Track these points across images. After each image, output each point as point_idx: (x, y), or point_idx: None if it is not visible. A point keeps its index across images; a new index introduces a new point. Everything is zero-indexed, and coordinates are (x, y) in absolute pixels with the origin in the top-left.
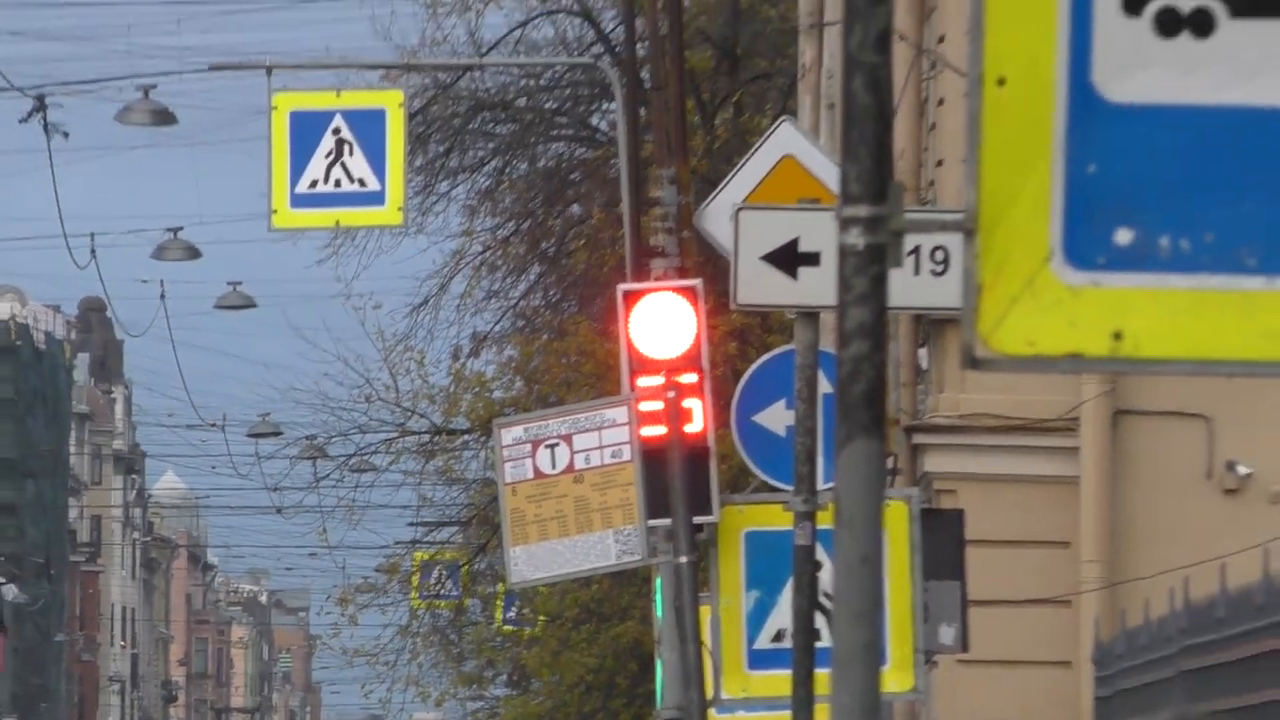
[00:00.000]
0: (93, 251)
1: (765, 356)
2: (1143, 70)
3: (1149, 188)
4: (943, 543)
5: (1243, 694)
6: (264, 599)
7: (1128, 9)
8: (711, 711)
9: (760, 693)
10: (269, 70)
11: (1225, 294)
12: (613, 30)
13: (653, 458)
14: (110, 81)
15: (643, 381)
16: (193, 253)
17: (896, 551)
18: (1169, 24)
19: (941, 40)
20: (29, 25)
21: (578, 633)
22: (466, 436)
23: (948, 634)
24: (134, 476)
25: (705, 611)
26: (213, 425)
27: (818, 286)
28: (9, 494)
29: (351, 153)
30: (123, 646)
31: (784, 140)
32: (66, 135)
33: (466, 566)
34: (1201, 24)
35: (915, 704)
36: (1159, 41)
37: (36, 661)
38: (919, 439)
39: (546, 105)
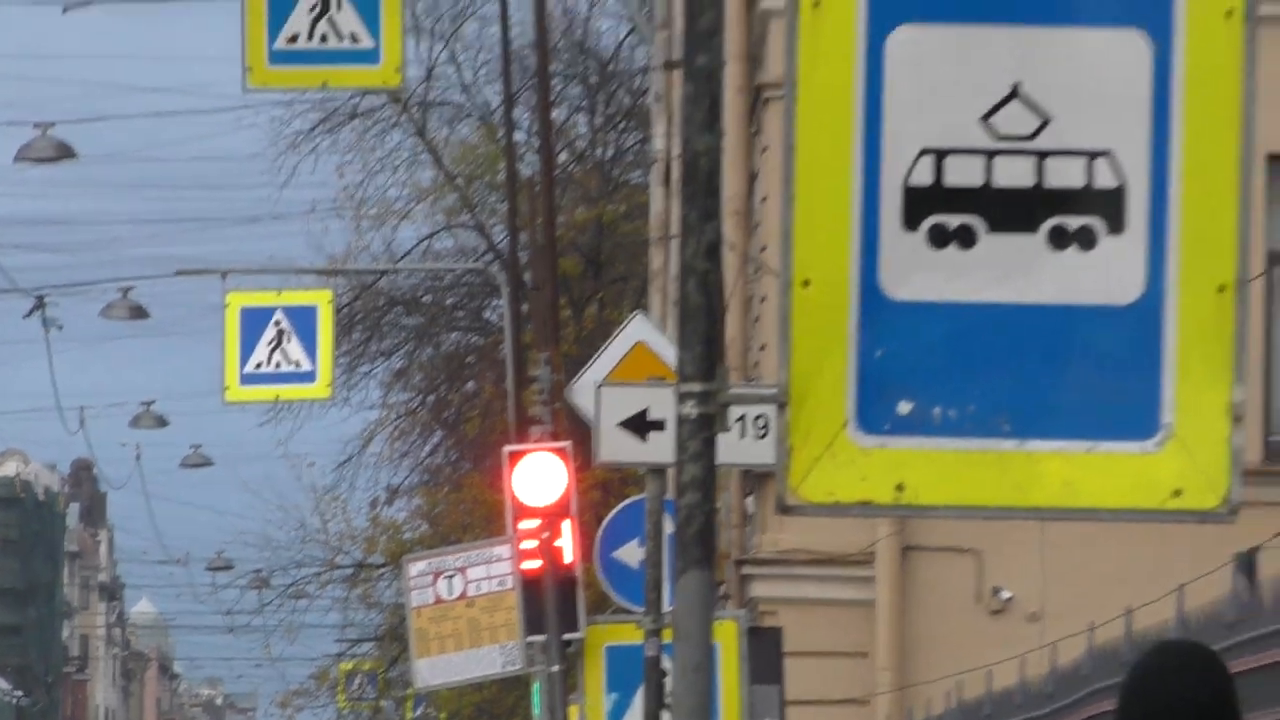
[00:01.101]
0: (81, 421)
1: (622, 504)
2: (918, 274)
3: (924, 369)
4: (765, 654)
5: None
6: (219, 702)
7: (906, 225)
8: None
9: None
10: (224, 275)
11: (985, 453)
12: (501, 241)
13: (531, 586)
14: (95, 284)
15: (523, 524)
16: (161, 422)
17: (728, 660)
18: (939, 237)
19: (763, 249)
20: (32, 240)
21: None
22: (382, 569)
23: None
24: (115, 603)
25: (574, 711)
26: (178, 561)
27: (663, 447)
28: (14, 618)
29: (289, 340)
30: None
31: (637, 331)
32: (60, 328)
33: (383, 674)
34: (966, 237)
35: None
36: (931, 251)
37: None
38: (746, 570)
39: (448, 302)
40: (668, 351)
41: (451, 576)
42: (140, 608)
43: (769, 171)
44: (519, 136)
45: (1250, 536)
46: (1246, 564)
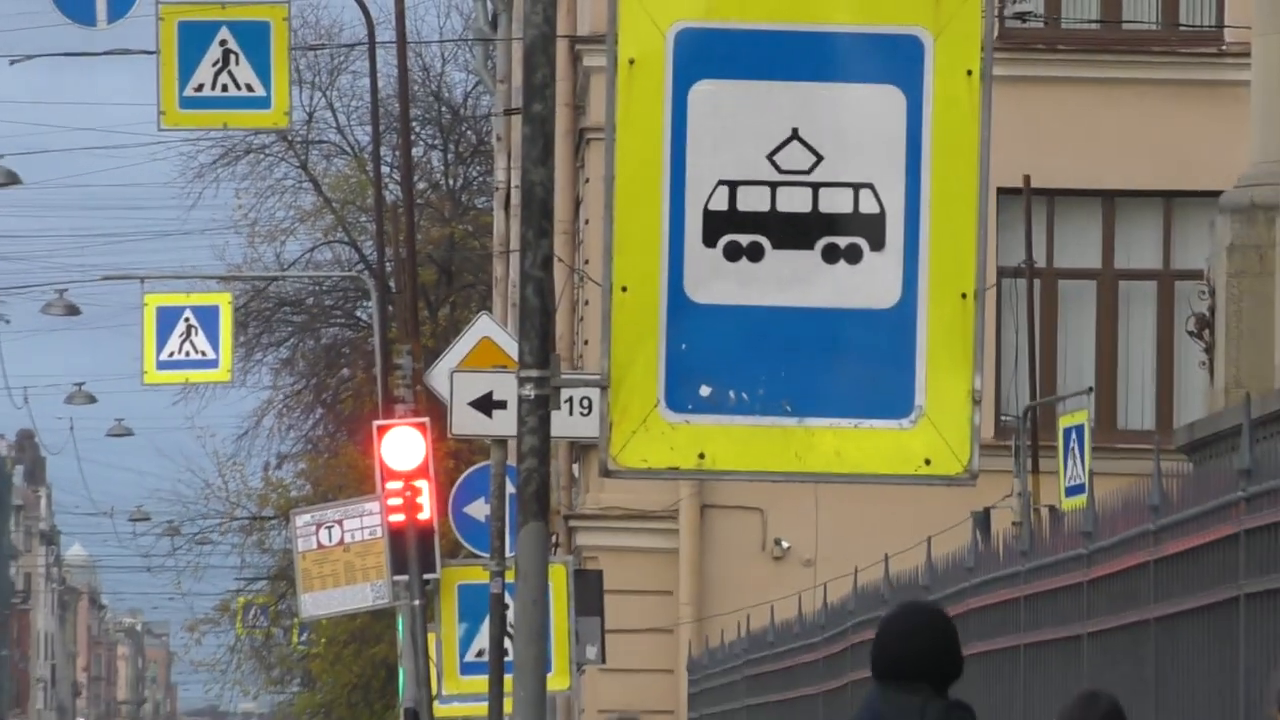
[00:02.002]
0: (25, 398)
1: (471, 469)
2: (716, 282)
3: (721, 359)
4: (589, 591)
5: (784, 692)
6: (139, 629)
7: (706, 242)
8: (436, 703)
9: (468, 690)
10: (143, 280)
11: (770, 429)
12: (370, 254)
13: (396, 535)
14: (36, 287)
15: (390, 485)
16: (91, 399)
17: (558, 597)
18: (733, 252)
19: (587, 262)
20: None
21: (347, 650)
22: (273, 520)
23: (592, 651)
24: (53, 547)
25: (432, 638)
26: (105, 514)
27: (506, 423)
28: None
29: (197, 334)
30: (48, 661)
31: (483, 327)
32: (8, 322)
33: (274, 607)
34: (755, 253)
35: (570, 698)
36: (726, 263)
37: None
38: (573, 523)
39: (326, 303)
40: (509, 344)
41: (331, 527)
42: (74, 551)
43: (591, 198)
44: (384, 169)
45: (985, 498)
46: (982, 520)
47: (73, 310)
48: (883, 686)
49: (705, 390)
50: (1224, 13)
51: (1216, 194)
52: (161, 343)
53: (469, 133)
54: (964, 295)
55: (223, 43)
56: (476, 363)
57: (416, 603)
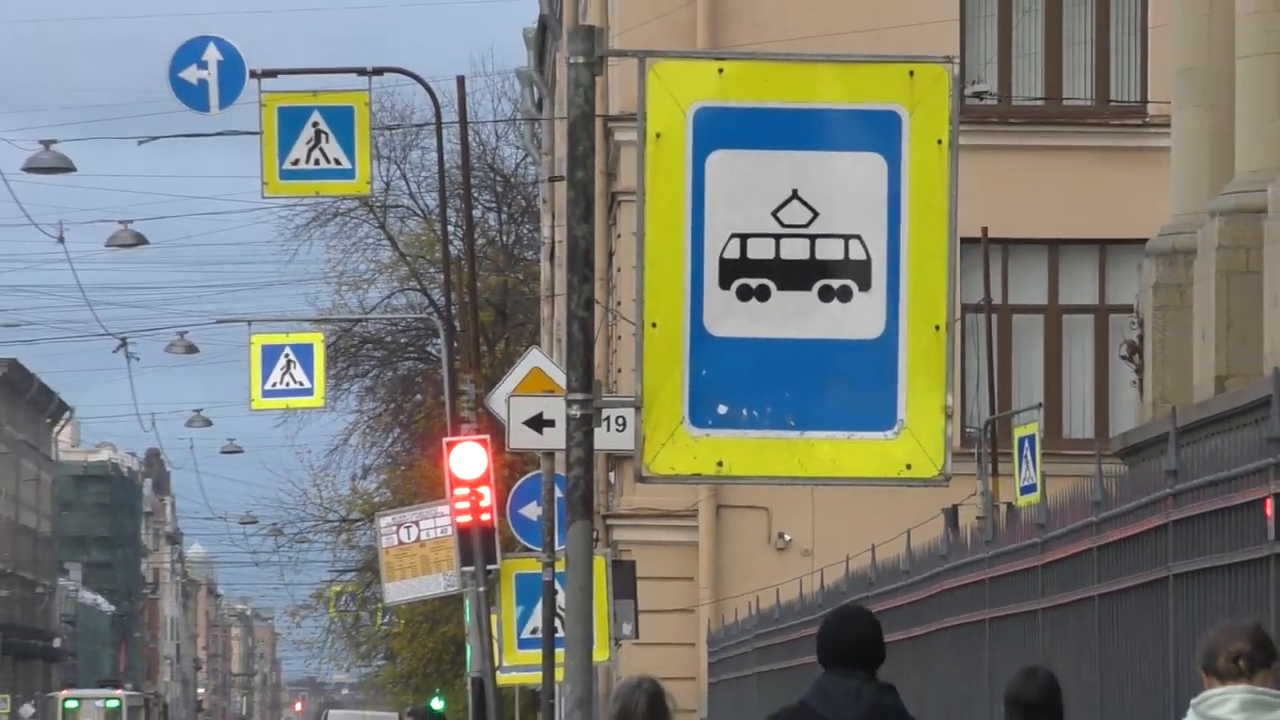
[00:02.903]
0: (152, 423)
1: (525, 477)
2: (729, 318)
3: (734, 383)
4: (624, 579)
5: (788, 660)
6: (249, 613)
7: (722, 285)
8: (498, 673)
9: (524, 662)
10: (249, 323)
11: (776, 440)
12: (438, 299)
13: (463, 533)
14: (161, 330)
15: (458, 491)
16: (207, 422)
17: (599, 583)
18: (744, 293)
19: (619, 303)
20: (118, 299)
21: (423, 629)
22: (359, 522)
23: (628, 628)
24: (177, 546)
25: (494, 619)
26: (220, 518)
27: (555, 438)
28: (107, 557)
29: (295, 366)
30: (173, 641)
31: (533, 359)
32: (138, 359)
33: (361, 594)
34: (762, 293)
35: (610, 668)
36: (739, 303)
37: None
38: (610, 522)
39: (402, 340)
40: (555, 373)
41: (409, 527)
42: (194, 549)
43: (623, 251)
44: (449, 228)
45: (954, 496)
46: (952, 515)
47: (191, 349)
48: (828, 672)
49: (722, 409)
50: (1148, 90)
51: (1143, 241)
52: (266, 375)
53: (519, 197)
54: (937, 327)
55: (314, 124)
56: (528, 388)
57: (480, 589)
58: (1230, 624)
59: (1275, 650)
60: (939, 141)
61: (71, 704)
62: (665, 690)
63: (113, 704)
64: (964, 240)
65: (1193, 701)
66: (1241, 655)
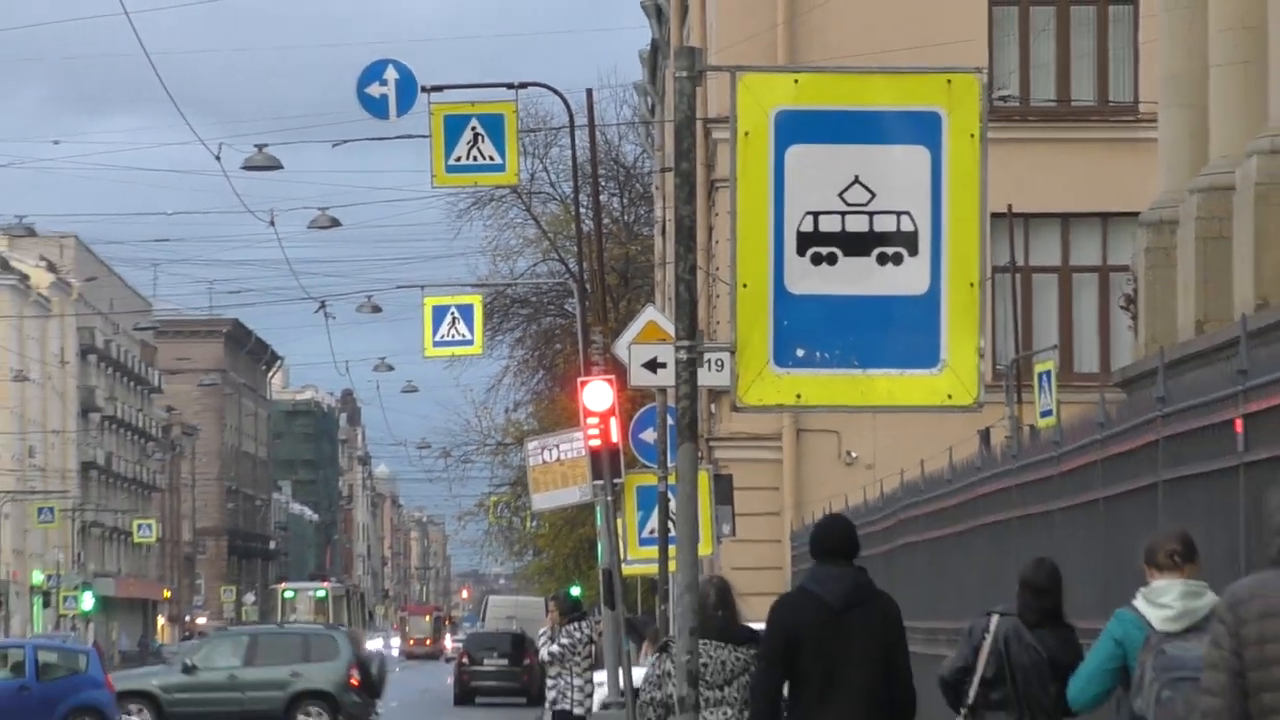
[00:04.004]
0: (346, 368)
1: (643, 408)
2: (805, 279)
3: (809, 331)
4: (723, 489)
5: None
6: (424, 520)
7: (798, 253)
8: (623, 565)
9: (644, 557)
10: (423, 288)
11: (844, 377)
12: (573, 267)
13: (595, 454)
14: (352, 294)
15: (590, 420)
16: (390, 367)
17: (703, 493)
18: (817, 259)
19: (717, 269)
20: (319, 270)
21: (563, 531)
22: (512, 445)
23: (726, 529)
24: (367, 467)
25: (619, 522)
26: (400, 444)
27: (666, 377)
28: (311, 476)
29: (459, 322)
30: (364, 542)
31: (649, 314)
32: (334, 318)
33: (513, 503)
34: (831, 259)
35: (712, 560)
36: (812, 267)
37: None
38: (712, 444)
39: (544, 300)
40: (666, 325)
41: (552, 449)
42: (380, 469)
43: (720, 227)
44: (582, 210)
45: (987, 420)
46: (985, 435)
47: (377, 309)
48: (819, 562)
49: (800, 352)
50: (1139, 92)
51: (1136, 214)
52: (436, 329)
53: (637, 184)
54: (971, 284)
55: (473, 129)
56: (645, 338)
57: (608, 499)
58: (1165, 530)
59: (1196, 550)
60: (971, 136)
61: (289, 594)
62: (730, 584)
63: (320, 594)
64: (993, 215)
65: (1141, 590)
66: (1175, 553)
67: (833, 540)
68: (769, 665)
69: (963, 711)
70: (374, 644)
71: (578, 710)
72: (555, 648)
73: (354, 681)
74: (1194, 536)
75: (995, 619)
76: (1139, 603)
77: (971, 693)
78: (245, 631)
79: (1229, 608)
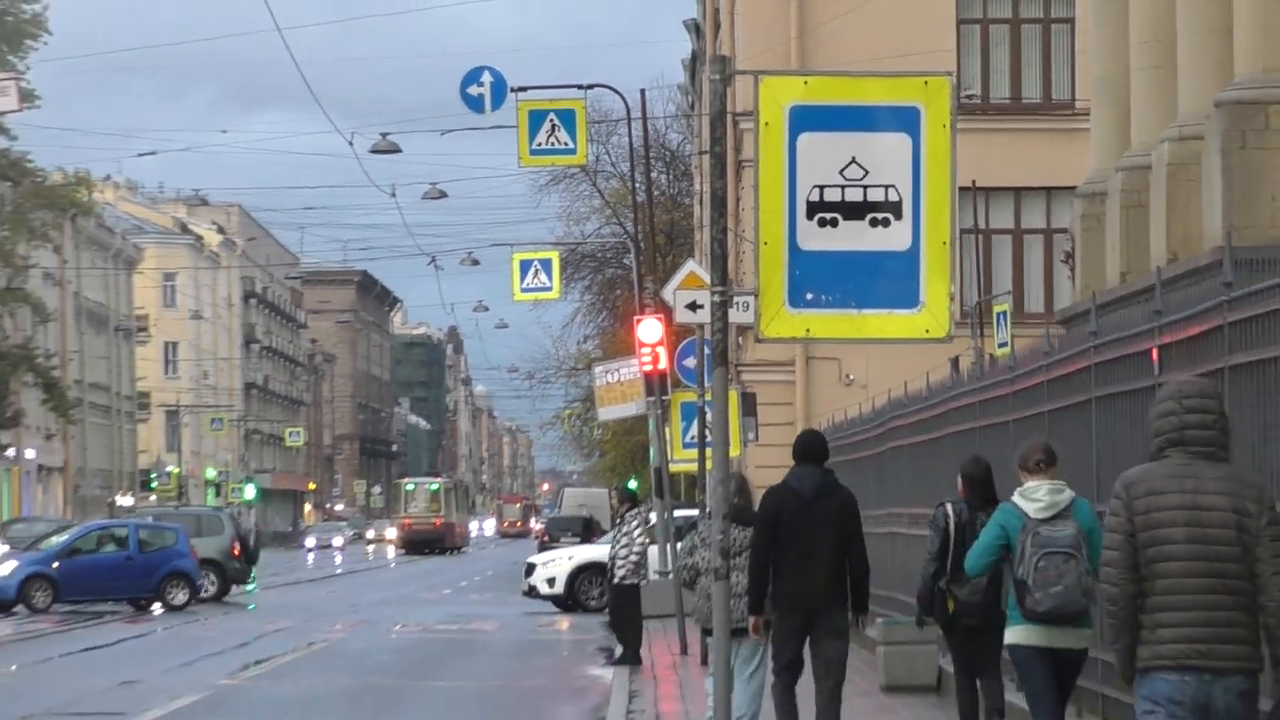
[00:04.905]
0: (452, 310)
1: (685, 340)
2: (813, 238)
3: (817, 279)
4: (749, 404)
5: (852, 455)
6: (513, 428)
7: (808, 217)
8: (670, 464)
9: (686, 457)
10: (512, 247)
11: (843, 315)
12: (631, 230)
13: (647, 377)
14: (456, 250)
15: (643, 350)
16: (485, 308)
17: (733, 408)
18: (822, 223)
19: (743, 230)
20: (426, 233)
21: (623, 437)
22: (582, 370)
23: (751, 435)
24: (468, 387)
25: (667, 429)
26: (494, 369)
27: (704, 315)
28: (426, 394)
29: (541, 273)
30: (465, 446)
31: (689, 266)
32: (441, 269)
33: (583, 415)
34: (834, 222)
35: (740, 461)
36: (818, 229)
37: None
38: (740, 369)
39: (608, 256)
40: (704, 274)
41: (614, 372)
42: (479, 389)
43: (746, 197)
44: (636, 185)
45: (956, 350)
46: (955, 363)
47: (475, 262)
48: (796, 464)
49: (809, 295)
50: (1075, 91)
51: (1074, 188)
52: (523, 277)
53: (680, 164)
54: (944, 242)
55: (551, 120)
56: (687, 285)
57: (658, 411)
58: (1032, 442)
59: (1056, 457)
60: (944, 126)
61: (409, 487)
62: (747, 479)
63: (434, 486)
64: (960, 188)
65: (1018, 489)
66: (1040, 460)
67: (807, 448)
68: (759, 540)
69: (943, 582)
70: (474, 525)
71: (633, 579)
72: (634, 556)
73: (235, 552)
74: (1119, 442)
75: (949, 506)
76: (1017, 498)
77: (949, 563)
78: (149, 512)
79: (1124, 488)
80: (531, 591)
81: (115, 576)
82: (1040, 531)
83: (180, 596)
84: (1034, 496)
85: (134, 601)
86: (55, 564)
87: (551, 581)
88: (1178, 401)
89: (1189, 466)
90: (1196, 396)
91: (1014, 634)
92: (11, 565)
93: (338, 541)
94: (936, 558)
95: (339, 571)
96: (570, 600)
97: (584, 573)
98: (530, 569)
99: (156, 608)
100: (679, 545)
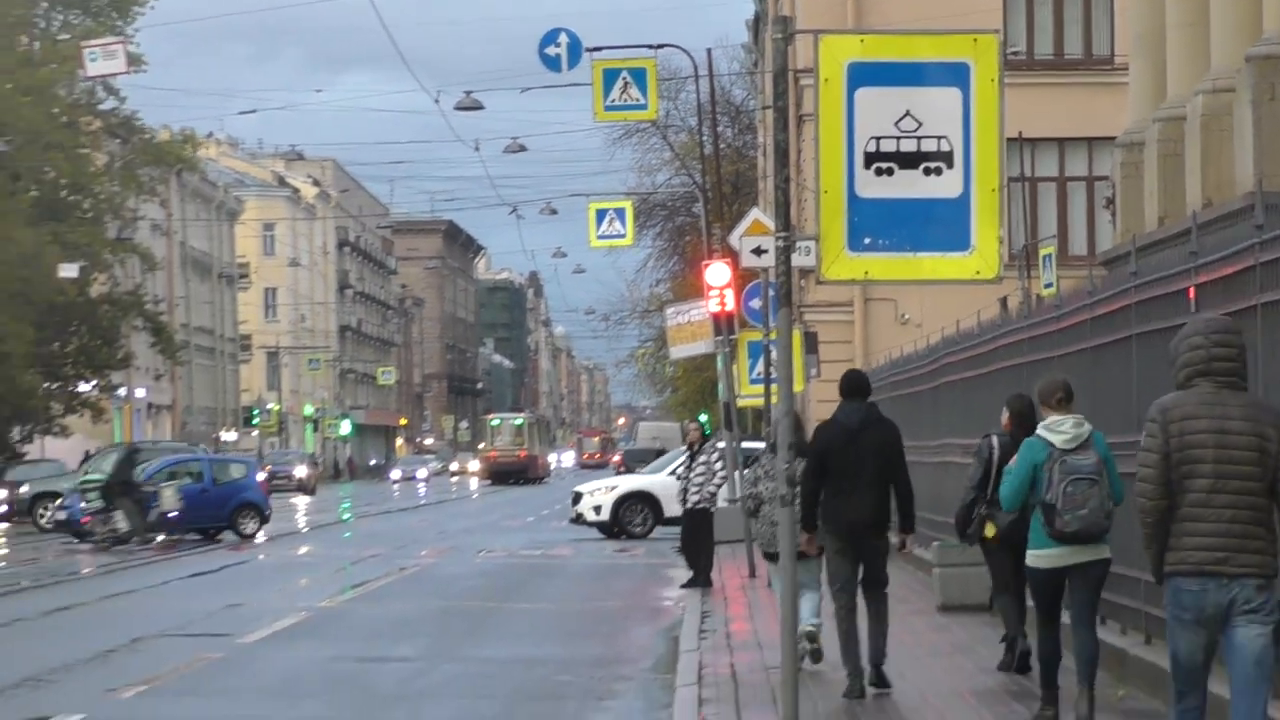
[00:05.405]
0: (533, 256)
1: (751, 283)
2: (870, 186)
3: (874, 225)
4: (811, 342)
5: (908, 389)
6: (591, 367)
7: (865, 166)
8: (737, 399)
9: (753, 393)
10: (588, 197)
11: (899, 258)
12: (699, 180)
13: (715, 317)
14: (536, 200)
15: (711, 292)
16: (564, 255)
17: (796, 345)
18: (879, 172)
19: (805, 179)
20: (508, 185)
21: (693, 374)
22: (655, 311)
23: (813, 371)
24: (548, 328)
25: (734, 367)
26: (572, 311)
27: (768, 259)
28: (509, 335)
29: (615, 221)
30: (591, 383)
31: (754, 214)
32: (522, 218)
33: (655, 354)
34: (890, 171)
35: (803, 395)
36: (875, 177)
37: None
38: (803, 309)
39: (677, 204)
40: (768, 221)
41: (684, 314)
42: (558, 330)
43: (807, 149)
44: (704, 138)
45: (1005, 291)
46: (1003, 302)
47: (554, 211)
48: (843, 400)
49: (867, 240)
50: (1115, 47)
51: (1114, 138)
52: (599, 225)
53: (744, 118)
54: (993, 189)
55: (624, 78)
56: (752, 231)
57: (726, 350)
58: (1051, 380)
59: (1072, 393)
60: (992, 80)
61: (495, 422)
62: (800, 414)
63: (518, 421)
64: (1008, 139)
65: (1042, 423)
66: (1062, 398)
67: (852, 385)
68: (810, 469)
69: (982, 508)
70: (554, 457)
71: (706, 506)
72: (710, 487)
73: None
74: (1158, 375)
75: (994, 438)
76: (1042, 431)
77: (989, 490)
78: (112, 449)
79: (1160, 413)
80: (578, 519)
81: (193, 508)
82: (1066, 460)
83: (250, 526)
84: (1060, 429)
85: (205, 531)
86: None
87: (598, 509)
88: (1205, 336)
89: (1216, 395)
90: (1221, 332)
91: (1035, 556)
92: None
93: (421, 474)
94: (977, 486)
95: (426, 502)
96: (615, 527)
97: (628, 501)
98: (577, 497)
99: (229, 535)
100: (745, 475)
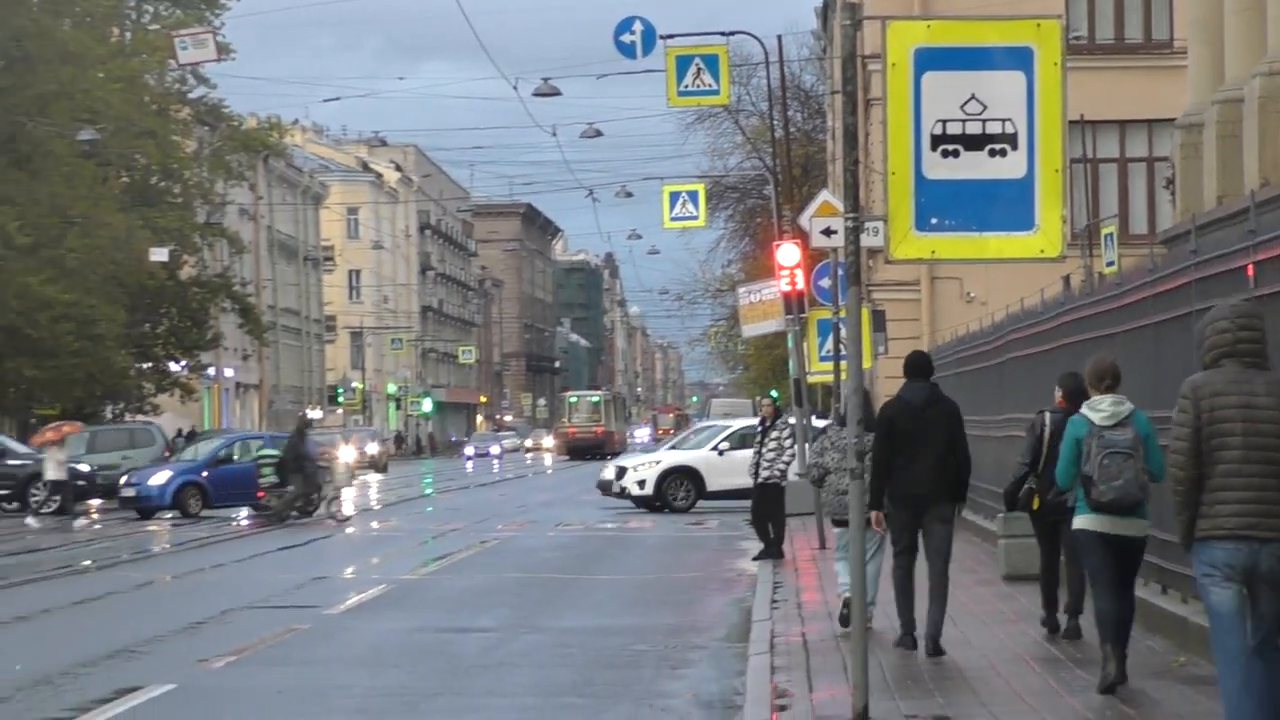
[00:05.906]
0: (608, 238)
1: (821, 263)
2: (937, 168)
3: (940, 205)
4: (879, 320)
5: (974, 365)
6: (664, 345)
7: (932, 149)
8: (808, 375)
9: (823, 369)
10: (661, 180)
11: (965, 238)
12: (770, 163)
13: (786, 296)
14: (611, 184)
15: (782, 272)
16: (638, 236)
17: (864, 323)
18: (945, 154)
19: (873, 161)
20: (586, 169)
21: (765, 351)
22: (727, 291)
23: (881, 348)
24: (623, 308)
25: (805, 344)
26: (646, 290)
27: (837, 240)
28: (585, 314)
29: (686, 205)
30: (622, 360)
31: (824, 195)
32: (598, 200)
33: (727, 332)
34: (955, 154)
35: (871, 373)
36: (942, 159)
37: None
38: (871, 288)
39: (749, 187)
40: (838, 203)
41: (755, 293)
42: (633, 309)
43: (875, 132)
44: (775, 123)
45: (1068, 269)
46: (1066, 280)
47: (629, 194)
48: (907, 381)
49: (934, 220)
50: (1174, 31)
51: (1173, 120)
52: (672, 207)
53: (814, 103)
54: (1056, 170)
55: (696, 65)
56: (822, 212)
57: (797, 328)
58: (1100, 362)
59: (1120, 376)
60: (1055, 64)
61: (573, 399)
62: (868, 391)
63: (595, 398)
64: (1070, 122)
65: (1085, 403)
66: (1107, 378)
67: (915, 366)
68: (879, 444)
69: (1032, 481)
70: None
71: (777, 480)
72: (781, 462)
73: (167, 454)
74: None
75: (1047, 415)
76: (1085, 410)
77: (1040, 466)
78: (88, 430)
79: (1191, 390)
80: (622, 493)
81: (256, 484)
82: (1104, 435)
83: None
84: (1099, 408)
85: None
86: (204, 473)
87: (642, 484)
88: (1230, 320)
89: (1243, 373)
90: (1246, 316)
91: (1079, 521)
92: (166, 474)
93: (495, 450)
94: (1028, 461)
95: (506, 477)
96: (659, 501)
97: (671, 475)
98: (621, 472)
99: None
100: (812, 446)
